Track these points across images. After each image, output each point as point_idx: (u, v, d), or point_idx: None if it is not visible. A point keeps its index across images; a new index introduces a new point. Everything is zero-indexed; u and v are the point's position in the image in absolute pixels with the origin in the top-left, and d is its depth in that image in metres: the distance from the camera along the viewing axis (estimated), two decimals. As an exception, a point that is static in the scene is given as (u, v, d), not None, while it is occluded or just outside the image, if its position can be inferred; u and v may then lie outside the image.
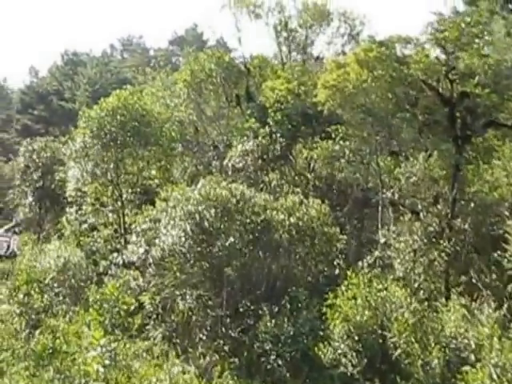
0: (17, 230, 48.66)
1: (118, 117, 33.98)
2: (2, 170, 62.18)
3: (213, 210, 24.95)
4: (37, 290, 25.28)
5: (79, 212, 36.79)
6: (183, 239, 25.07)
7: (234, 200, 25.40)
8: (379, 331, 22.39)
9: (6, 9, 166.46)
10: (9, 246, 37.71)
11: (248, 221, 25.62)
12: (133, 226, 29.69)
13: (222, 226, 25.19)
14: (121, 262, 32.26)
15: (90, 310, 20.86)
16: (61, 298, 31.48)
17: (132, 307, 20.58)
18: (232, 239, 25.00)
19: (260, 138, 36.61)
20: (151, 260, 26.44)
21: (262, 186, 34.80)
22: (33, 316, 24.22)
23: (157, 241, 25.80)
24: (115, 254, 33.43)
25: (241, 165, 35.61)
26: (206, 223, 24.94)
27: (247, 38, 44.61)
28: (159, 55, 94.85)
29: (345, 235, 29.43)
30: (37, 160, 44.63)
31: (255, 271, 26.86)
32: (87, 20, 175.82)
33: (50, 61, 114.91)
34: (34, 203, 45.01)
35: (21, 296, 24.18)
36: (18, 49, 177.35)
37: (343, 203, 35.27)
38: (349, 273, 23.93)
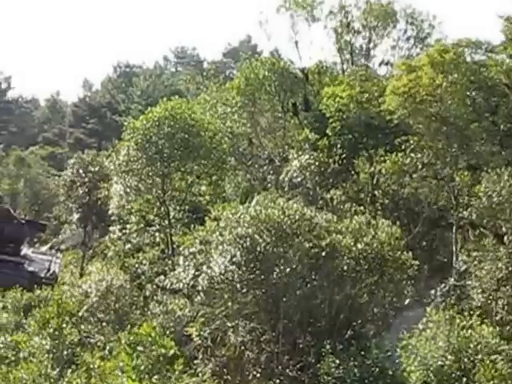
0: (63, 246, 46.19)
1: (165, 128, 31.00)
2: (49, 184, 60.00)
3: (266, 234, 21.73)
4: (70, 322, 22.44)
5: (123, 231, 33.92)
6: (233, 267, 21.95)
7: (288, 221, 22.06)
8: (464, 379, 18.96)
9: (60, 22, 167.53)
10: (49, 268, 34.59)
11: (310, 245, 22.28)
12: (181, 248, 26.70)
13: (277, 252, 21.96)
14: (168, 286, 29.33)
15: (122, 354, 18.03)
16: (103, 324, 28.89)
17: (171, 351, 17.64)
18: (291, 266, 21.78)
19: (319, 151, 33.47)
20: (200, 287, 23.36)
21: (321, 203, 31.60)
22: (65, 352, 21.47)
23: (205, 267, 22.73)
24: (162, 277, 30.62)
25: (299, 180, 32.49)
26: (259, 248, 21.75)
27: (304, 43, 41.01)
28: (211, 66, 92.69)
29: (416, 260, 25.93)
30: (83, 175, 41.87)
31: (316, 302, 23.56)
32: (140, 31, 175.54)
33: (104, 74, 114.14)
34: (79, 220, 42.42)
35: (51, 330, 21.47)
36: (71, 62, 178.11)
37: (411, 222, 31.76)
38: (428, 309, 20.55)
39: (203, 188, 34.39)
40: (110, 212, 33.57)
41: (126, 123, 32.20)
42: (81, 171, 41.61)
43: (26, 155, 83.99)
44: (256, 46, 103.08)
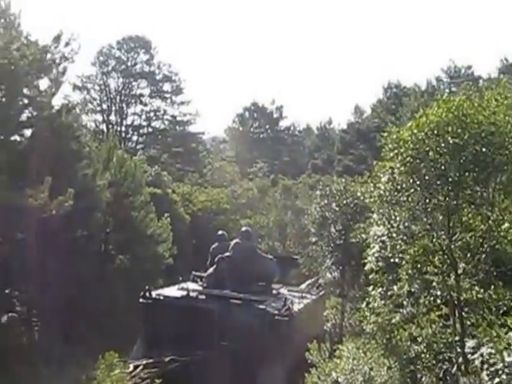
0: (324, 292, 35.58)
1: (450, 138, 18.58)
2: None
3: None
4: None
5: (388, 293, 21.58)
6: None
7: None
8: None
9: (332, 53, 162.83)
10: (285, 303, 27.45)
11: None
12: (475, 356, 13.98)
13: None
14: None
15: None
16: None
17: None
18: None
19: None
20: None
21: None
22: None
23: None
24: (446, 365, 18.51)
25: None
26: None
27: None
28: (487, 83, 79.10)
29: None
30: (336, 208, 30.05)
31: None
32: (411, 53, 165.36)
33: (374, 99, 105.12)
34: (334, 266, 30.97)
35: None
36: (344, 90, 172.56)
37: None
38: None
39: (507, 225, 21.11)
40: (366, 267, 21.63)
41: (384, 134, 19.80)
42: (333, 205, 29.89)
43: (294, 184, 77.87)
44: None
